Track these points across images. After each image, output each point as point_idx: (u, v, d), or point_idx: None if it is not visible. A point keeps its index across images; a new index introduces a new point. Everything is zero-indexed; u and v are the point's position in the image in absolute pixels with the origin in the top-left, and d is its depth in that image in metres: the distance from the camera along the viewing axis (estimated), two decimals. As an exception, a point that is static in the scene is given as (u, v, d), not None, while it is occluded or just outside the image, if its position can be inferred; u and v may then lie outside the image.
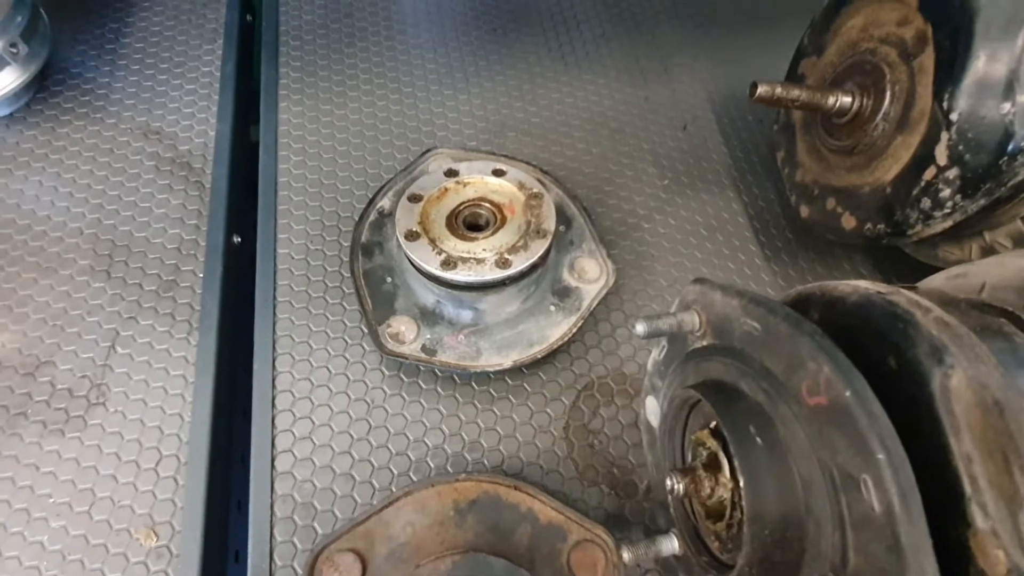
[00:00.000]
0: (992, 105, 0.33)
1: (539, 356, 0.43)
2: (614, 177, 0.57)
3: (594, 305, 0.45)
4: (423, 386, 0.45)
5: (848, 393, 0.23)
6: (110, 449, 0.42)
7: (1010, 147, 0.33)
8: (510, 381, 0.46)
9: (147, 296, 0.48)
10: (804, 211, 0.48)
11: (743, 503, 0.27)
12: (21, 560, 0.38)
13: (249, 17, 0.66)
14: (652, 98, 0.62)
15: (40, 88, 0.56)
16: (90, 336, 0.46)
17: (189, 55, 0.60)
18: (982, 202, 0.36)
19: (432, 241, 0.41)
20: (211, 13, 0.63)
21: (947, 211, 0.37)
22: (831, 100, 0.41)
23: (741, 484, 0.26)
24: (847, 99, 0.41)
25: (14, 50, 0.50)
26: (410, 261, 0.41)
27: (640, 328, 0.31)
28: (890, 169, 0.39)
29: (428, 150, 0.51)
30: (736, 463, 0.27)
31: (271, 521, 0.40)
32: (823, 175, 0.46)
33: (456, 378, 0.45)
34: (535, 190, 0.44)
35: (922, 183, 0.37)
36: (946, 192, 0.36)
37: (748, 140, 0.60)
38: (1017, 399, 0.24)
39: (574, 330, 0.43)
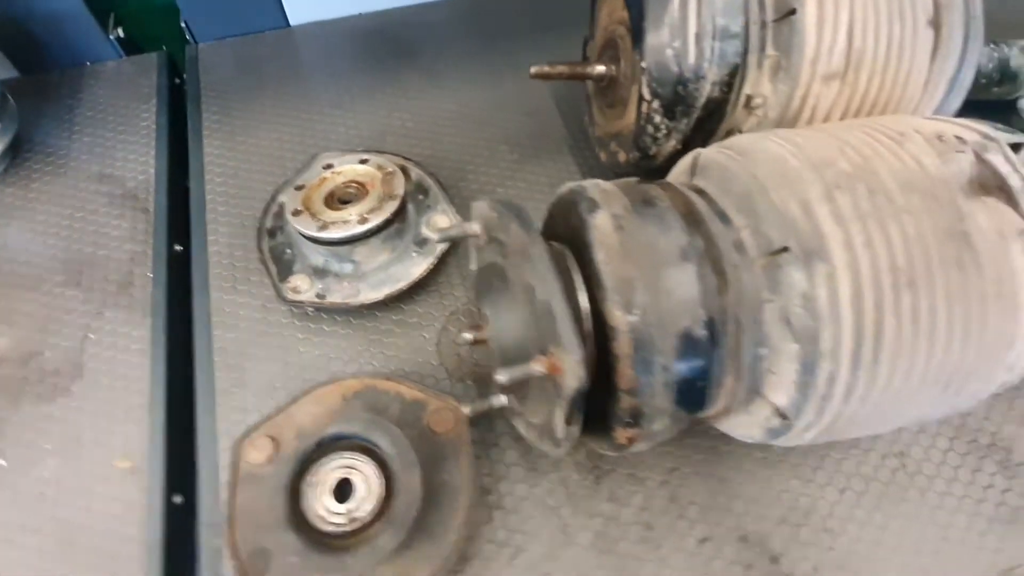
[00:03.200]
0: (662, 51, 0.48)
1: (404, 288, 0.56)
2: (474, 158, 0.71)
3: (446, 248, 0.58)
4: (320, 326, 0.58)
5: (527, 237, 0.37)
6: (91, 407, 0.55)
7: (678, 78, 0.47)
8: (393, 316, 0.59)
9: (110, 296, 0.61)
10: (602, 156, 0.62)
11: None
12: (31, 489, 0.51)
13: (178, 80, 0.81)
14: (506, 95, 0.77)
15: (14, 156, 0.71)
16: (68, 330, 0.59)
17: (130, 115, 0.75)
18: (685, 120, 0.50)
19: (312, 215, 0.55)
20: (145, 80, 0.78)
21: (665, 132, 0.51)
22: (589, 70, 0.56)
23: (487, 315, 0.40)
24: (601, 68, 0.56)
25: (-10, 128, 0.65)
26: (297, 231, 0.55)
27: (433, 235, 0.45)
28: (631, 111, 0.54)
29: (315, 155, 0.65)
30: (481, 302, 0.40)
31: (215, 429, 0.53)
32: (606, 127, 0.60)
33: (346, 317, 0.58)
34: (389, 169, 0.58)
35: (643, 115, 0.51)
36: (657, 119, 0.50)
37: (581, 117, 0.75)
38: (637, 225, 0.37)
39: (430, 267, 0.57)
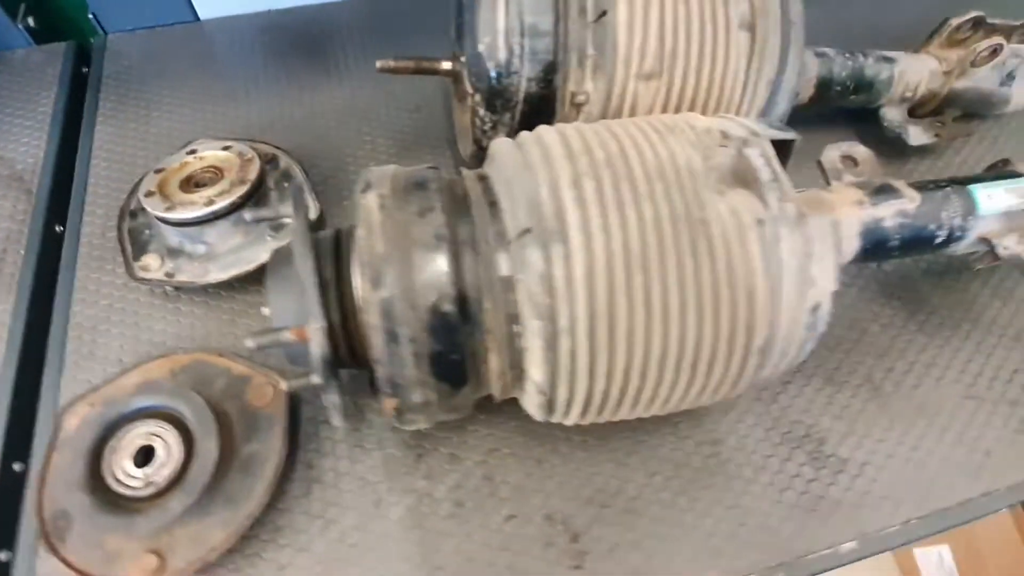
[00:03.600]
0: (476, 46, 0.50)
1: (252, 270, 0.58)
2: (355, 151, 0.74)
3: (299, 233, 0.60)
4: (177, 305, 0.60)
5: (294, 223, 0.39)
6: (-56, 374, 0.57)
7: (492, 73, 0.50)
8: (249, 298, 0.61)
9: (-21, 272, 0.64)
10: (462, 150, 0.64)
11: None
12: None
13: (85, 69, 0.83)
14: (395, 91, 0.79)
15: (-91, 136, 0.73)
16: (-66, 303, 0.61)
17: (30, 101, 0.77)
18: (508, 114, 0.52)
19: (165, 196, 0.58)
20: (51, 68, 0.81)
21: (491, 125, 0.53)
22: (436, 65, 0.58)
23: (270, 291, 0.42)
24: (447, 63, 0.58)
25: None
26: (149, 212, 0.57)
27: (249, 216, 0.47)
28: (468, 106, 0.56)
29: (189, 141, 0.67)
30: (268, 278, 0.42)
31: (57, 399, 0.55)
32: (460, 121, 0.62)
33: (203, 298, 0.60)
34: (248, 156, 0.61)
35: (471, 107, 0.53)
36: (481, 111, 0.53)
37: (468, 113, 0.77)
38: (400, 206, 0.39)
39: (281, 250, 0.59)
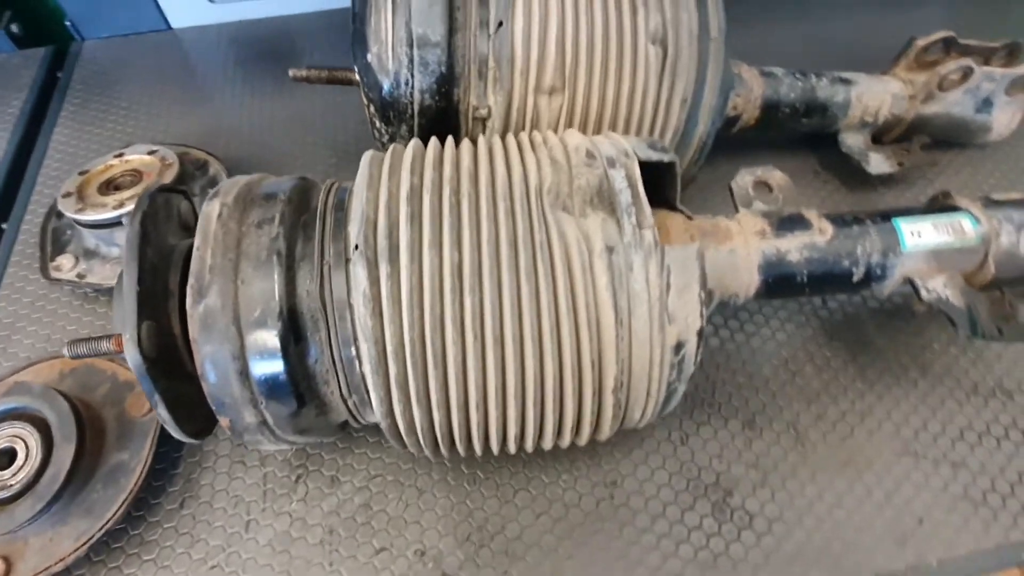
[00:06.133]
0: (366, 55, 0.49)
1: (159, 275, 0.58)
2: (294, 160, 0.73)
3: (212, 240, 0.60)
4: (93, 307, 0.60)
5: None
6: None
7: (383, 84, 0.48)
8: (161, 303, 0.61)
9: (-79, 264, 0.65)
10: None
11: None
12: None
13: (59, 74, 0.86)
14: (345, 103, 0.79)
15: None
16: None
17: (0, 103, 0.80)
18: (404, 126, 0.51)
19: (82, 198, 0.58)
20: (27, 72, 0.84)
21: (387, 137, 0.52)
22: (347, 75, 0.57)
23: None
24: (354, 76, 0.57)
25: None
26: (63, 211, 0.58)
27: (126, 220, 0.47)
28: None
29: (128, 145, 0.68)
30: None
31: None
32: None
33: (104, 295, 0.61)
34: (169, 161, 0.61)
35: (369, 118, 0.52)
36: (377, 123, 0.51)
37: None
38: (238, 218, 0.38)
39: (192, 257, 0.59)
